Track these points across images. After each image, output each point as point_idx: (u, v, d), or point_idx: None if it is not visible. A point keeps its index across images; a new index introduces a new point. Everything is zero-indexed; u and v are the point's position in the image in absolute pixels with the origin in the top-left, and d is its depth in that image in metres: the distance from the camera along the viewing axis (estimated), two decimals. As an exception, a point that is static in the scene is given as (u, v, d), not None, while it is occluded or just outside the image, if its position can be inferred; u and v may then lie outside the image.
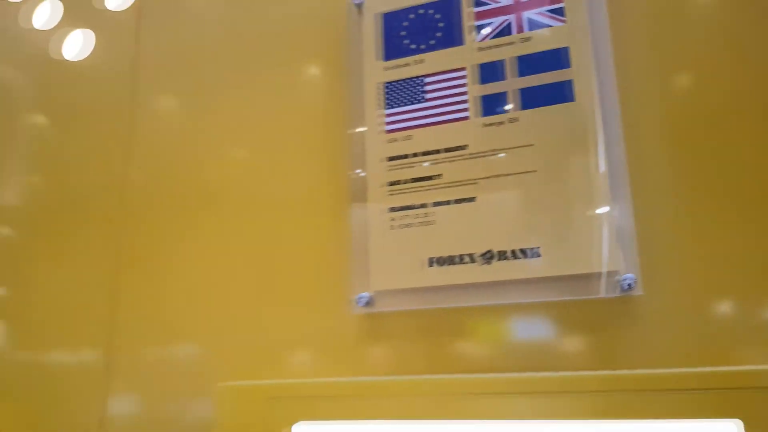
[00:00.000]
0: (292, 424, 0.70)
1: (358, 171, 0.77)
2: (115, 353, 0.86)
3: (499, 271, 0.68)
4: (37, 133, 1.01)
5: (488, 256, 0.69)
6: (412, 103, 0.77)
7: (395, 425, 0.68)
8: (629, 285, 0.63)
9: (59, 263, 0.94)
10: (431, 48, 0.78)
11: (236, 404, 0.73)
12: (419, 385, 0.67)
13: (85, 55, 1.01)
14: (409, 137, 0.76)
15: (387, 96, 0.78)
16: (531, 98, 0.72)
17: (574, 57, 0.71)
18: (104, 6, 1.02)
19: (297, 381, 0.74)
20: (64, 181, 0.97)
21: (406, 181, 0.75)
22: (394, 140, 0.77)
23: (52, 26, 1.05)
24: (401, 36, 0.80)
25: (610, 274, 0.64)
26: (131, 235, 0.90)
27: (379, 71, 0.80)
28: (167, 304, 0.85)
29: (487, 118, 0.73)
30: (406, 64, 0.79)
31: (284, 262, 0.80)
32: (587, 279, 0.65)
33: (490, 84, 0.74)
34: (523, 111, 0.72)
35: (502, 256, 0.68)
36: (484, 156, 0.72)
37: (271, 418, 0.70)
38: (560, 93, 0.70)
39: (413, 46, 0.79)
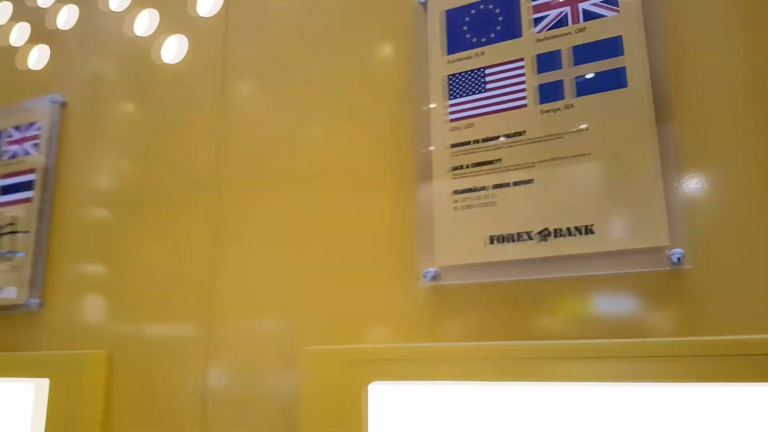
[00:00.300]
0: (367, 384, 0.79)
1: (423, 157, 0.84)
2: (214, 325, 0.97)
3: (555, 247, 0.74)
4: (138, 124, 1.14)
5: (545, 234, 0.74)
6: (474, 93, 0.83)
7: (460, 386, 0.76)
8: (678, 259, 0.67)
9: (160, 242, 1.06)
10: (491, 41, 0.84)
11: (319, 366, 0.83)
12: (481, 349, 0.74)
13: (181, 58, 1.13)
14: (470, 125, 0.82)
15: (450, 87, 0.85)
16: (586, 85, 0.76)
17: (627, 45, 0.75)
18: (197, 13, 1.13)
19: (371, 346, 0.83)
20: (163, 166, 1.09)
21: (468, 166, 0.81)
22: (457, 128, 0.83)
23: (150, 33, 1.18)
24: (463, 31, 0.86)
25: (659, 248, 0.68)
26: (225, 214, 1.01)
27: (442, 65, 0.86)
28: (257, 278, 0.95)
29: (544, 105, 0.78)
30: (468, 57, 0.85)
31: (358, 239, 0.88)
32: (638, 254, 0.69)
33: (547, 73, 0.79)
34: (578, 98, 0.76)
35: (557, 233, 0.74)
36: (541, 141, 0.78)
37: (349, 379, 0.79)
38: (613, 79, 0.75)
39: (474, 40, 0.85)
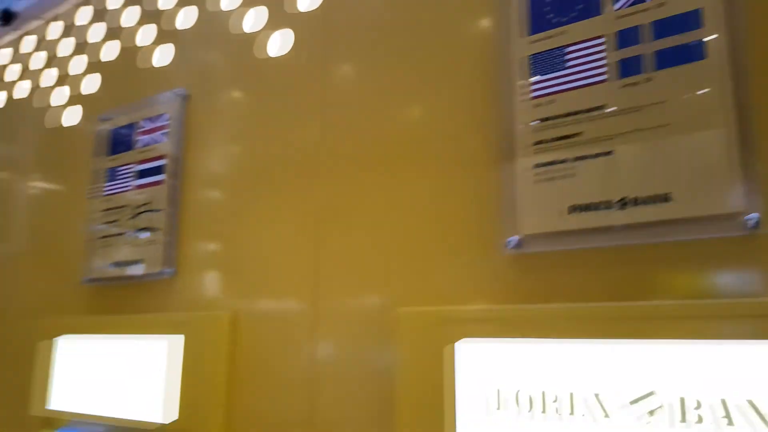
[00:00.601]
0: (455, 341, 0.87)
1: (507, 133, 0.90)
2: (319, 294, 1.09)
3: (634, 215, 0.78)
4: (249, 113, 1.27)
5: (624, 203, 0.79)
6: (555, 71, 0.88)
7: (540, 343, 0.82)
8: (754, 223, 0.69)
9: (270, 220, 1.19)
10: (572, 20, 0.88)
11: (412, 325, 0.92)
12: (561, 310, 0.80)
13: (286, 50, 1.25)
14: (552, 101, 0.87)
15: (532, 66, 0.90)
16: (665, 59, 0.79)
17: (706, 17, 0.77)
18: (296, 9, 1.24)
19: (459, 307, 0.91)
20: (272, 150, 1.21)
21: (549, 140, 0.86)
22: (539, 105, 0.88)
23: (257, 29, 1.30)
24: (545, 12, 0.90)
25: (735, 214, 0.71)
26: (328, 193, 1.11)
27: (525, 45, 0.91)
28: (357, 251, 1.05)
29: (624, 79, 0.82)
30: (549, 37, 0.89)
31: (447, 211, 0.96)
32: (714, 220, 0.72)
33: (627, 48, 0.82)
34: (657, 71, 0.79)
35: (636, 202, 0.78)
36: (620, 114, 0.81)
37: (438, 337, 0.88)
38: (692, 52, 0.77)
39: (555, 20, 0.89)
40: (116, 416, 1.26)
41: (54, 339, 1.42)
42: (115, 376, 1.29)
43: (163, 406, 1.19)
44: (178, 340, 1.20)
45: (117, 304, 1.40)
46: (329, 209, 1.11)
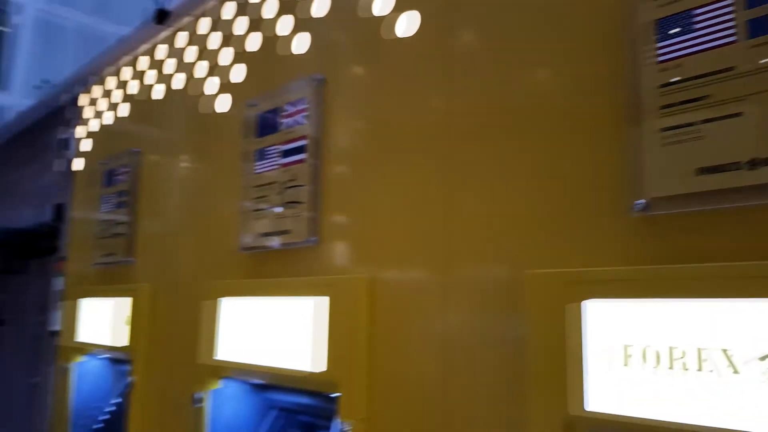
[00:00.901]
0: (582, 301, 0.92)
1: (633, 97, 0.92)
2: (450, 260, 1.17)
3: (763, 175, 0.78)
4: (376, 89, 1.37)
5: (753, 163, 0.79)
6: (682, 35, 0.89)
7: (667, 302, 0.85)
8: None
9: (400, 193, 1.28)
10: (700, -18, 0.88)
11: (539, 287, 0.98)
12: (691, 270, 0.83)
13: (413, 29, 1.32)
14: (679, 65, 0.88)
15: (659, 30, 0.91)
16: (800, 15, 0.78)
17: None
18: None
19: (587, 269, 0.95)
20: (397, 124, 1.30)
21: (676, 104, 0.88)
22: (666, 69, 0.90)
23: (386, 11, 1.39)
24: (670, -24, 0.91)
25: None
26: (456, 162, 1.19)
27: (651, 9, 0.92)
28: (486, 216, 1.12)
29: (755, 39, 0.81)
30: (676, 0, 0.90)
31: (573, 175, 1.00)
32: None
33: (757, 8, 0.82)
34: (791, 28, 0.78)
35: (766, 162, 0.78)
36: (751, 74, 0.81)
37: (566, 298, 0.93)
38: (830, 6, 0.75)
39: (682, -17, 0.89)
40: (272, 365, 1.44)
41: (217, 299, 1.63)
42: (269, 332, 1.47)
43: (311, 358, 1.34)
44: (323, 301, 1.34)
45: (268, 269, 1.58)
46: (458, 178, 1.18)
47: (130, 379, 1.93)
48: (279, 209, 1.54)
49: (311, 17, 1.59)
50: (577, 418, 0.89)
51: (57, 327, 2.61)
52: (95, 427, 2.24)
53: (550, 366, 0.93)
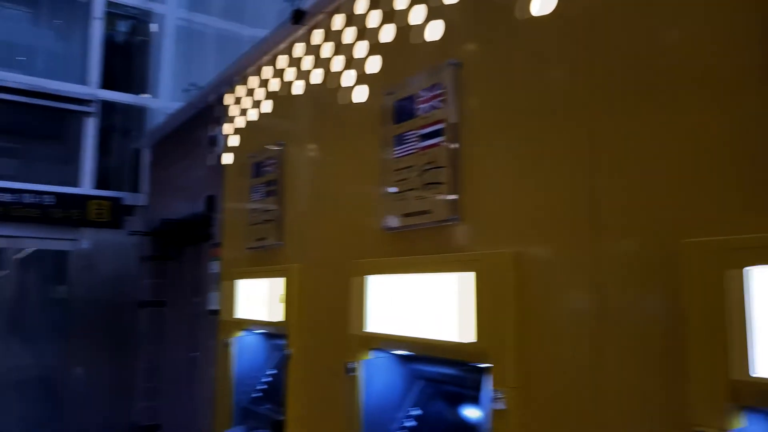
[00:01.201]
0: (743, 267, 0.91)
1: None
2: (598, 236, 1.19)
3: None
4: (510, 66, 1.41)
5: None
6: None
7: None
8: None
9: (542, 167, 1.31)
10: None
11: (696, 254, 0.98)
12: None
13: (549, 10, 1.35)
14: None
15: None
16: None
17: None
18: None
19: (744, 236, 0.94)
20: (537, 97, 1.33)
21: None
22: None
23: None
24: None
25: None
26: (602, 132, 1.20)
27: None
28: (635, 184, 1.13)
29: None
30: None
31: (725, 139, 0.99)
32: None
33: None
34: None
35: None
36: None
37: (726, 262, 0.93)
38: None
39: None
40: (420, 336, 1.54)
41: (365, 276, 1.75)
42: (415, 305, 1.57)
43: (458, 330, 1.42)
44: (468, 276, 1.41)
45: (411, 247, 1.68)
46: (603, 146, 1.19)
47: (287, 351, 2.12)
48: (419, 190, 1.63)
49: (443, 4, 1.65)
50: (742, 383, 0.89)
51: (215, 306, 2.89)
52: (254, 395, 2.49)
53: (710, 333, 0.94)
